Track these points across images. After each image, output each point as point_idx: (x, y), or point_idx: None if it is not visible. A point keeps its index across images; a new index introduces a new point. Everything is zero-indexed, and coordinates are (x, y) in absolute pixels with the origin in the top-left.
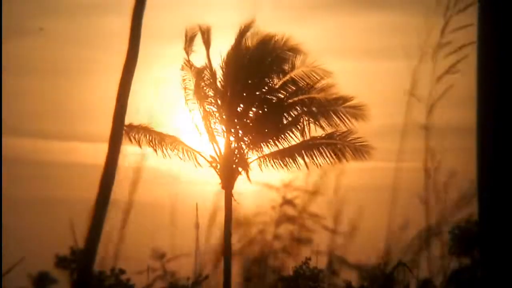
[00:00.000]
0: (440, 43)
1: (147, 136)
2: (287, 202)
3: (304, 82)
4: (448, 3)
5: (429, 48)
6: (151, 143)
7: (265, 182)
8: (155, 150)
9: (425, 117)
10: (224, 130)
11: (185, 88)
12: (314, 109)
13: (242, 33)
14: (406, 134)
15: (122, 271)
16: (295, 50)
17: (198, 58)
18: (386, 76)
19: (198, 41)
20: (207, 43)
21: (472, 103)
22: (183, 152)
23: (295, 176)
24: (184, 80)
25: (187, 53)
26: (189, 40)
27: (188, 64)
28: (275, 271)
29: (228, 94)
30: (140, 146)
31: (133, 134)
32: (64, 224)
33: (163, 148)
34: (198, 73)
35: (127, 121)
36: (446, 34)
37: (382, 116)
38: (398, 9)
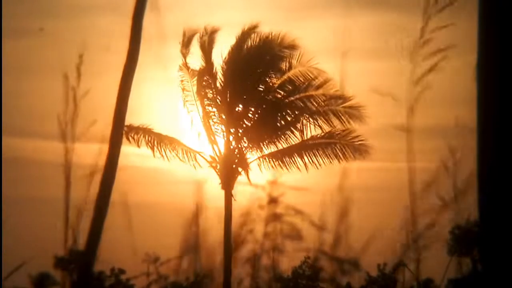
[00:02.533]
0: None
1: (146, 137)
2: (276, 201)
3: (302, 82)
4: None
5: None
6: (149, 144)
7: (258, 182)
8: (153, 151)
9: (429, 117)
10: (224, 130)
11: (183, 89)
12: (312, 108)
13: (242, 34)
14: (403, 134)
15: (122, 271)
16: (292, 47)
17: (198, 58)
18: (386, 75)
19: (198, 41)
20: (210, 43)
21: (466, 102)
22: (182, 153)
23: (294, 176)
24: (182, 81)
25: (184, 55)
26: (186, 42)
27: (186, 65)
28: (272, 270)
29: (228, 94)
30: (139, 146)
31: (132, 135)
32: (64, 224)
33: (162, 149)
34: (199, 73)
35: (126, 122)
36: (435, 33)
37: (381, 116)
38: (398, 8)
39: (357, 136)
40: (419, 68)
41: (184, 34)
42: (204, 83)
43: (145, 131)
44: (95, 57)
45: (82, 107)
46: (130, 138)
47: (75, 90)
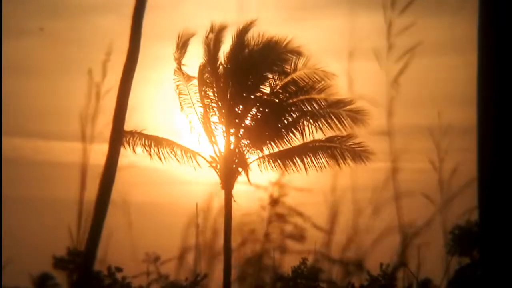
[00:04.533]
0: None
1: (143, 140)
2: (278, 201)
3: (304, 84)
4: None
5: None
6: (146, 148)
7: (257, 183)
8: (150, 154)
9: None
10: (224, 130)
11: (179, 94)
12: (314, 110)
13: (242, 33)
14: (401, 134)
15: (119, 269)
16: (296, 52)
17: (193, 59)
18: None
19: (197, 41)
20: (216, 42)
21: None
22: (181, 154)
23: (293, 176)
24: (178, 86)
25: (179, 59)
26: (181, 46)
27: (180, 70)
28: (272, 271)
29: (228, 94)
30: (134, 151)
31: (128, 138)
32: (63, 224)
33: (160, 151)
34: (200, 73)
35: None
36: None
37: (380, 116)
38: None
39: (358, 143)
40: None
41: (178, 38)
42: (204, 82)
43: (141, 135)
44: (96, 56)
45: (81, 106)
46: (125, 142)
47: (100, 87)
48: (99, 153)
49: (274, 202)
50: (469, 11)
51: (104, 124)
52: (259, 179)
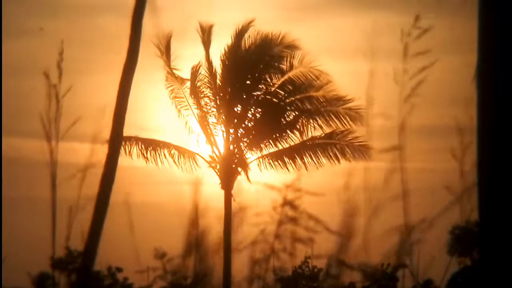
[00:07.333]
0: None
1: (139, 144)
2: (288, 203)
3: (302, 82)
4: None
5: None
6: (142, 151)
7: (266, 182)
8: (146, 158)
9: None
10: (224, 130)
11: (175, 98)
12: (312, 109)
13: (239, 33)
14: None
15: (119, 269)
16: (292, 47)
17: (192, 57)
18: (384, 76)
19: (192, 40)
20: (207, 42)
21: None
22: (179, 156)
23: (295, 176)
24: (172, 91)
25: (167, 63)
26: (166, 49)
27: (172, 73)
28: (275, 271)
29: (227, 94)
30: (131, 156)
31: (124, 143)
32: (63, 224)
33: (157, 154)
34: (193, 73)
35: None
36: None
37: (378, 116)
38: (398, 9)
39: (356, 137)
40: (411, 68)
41: (159, 43)
42: (199, 83)
43: (137, 139)
44: (95, 56)
45: (82, 107)
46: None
47: (75, 89)
48: (100, 153)
49: (285, 203)
50: (469, 11)
51: (102, 125)
52: (257, 178)
